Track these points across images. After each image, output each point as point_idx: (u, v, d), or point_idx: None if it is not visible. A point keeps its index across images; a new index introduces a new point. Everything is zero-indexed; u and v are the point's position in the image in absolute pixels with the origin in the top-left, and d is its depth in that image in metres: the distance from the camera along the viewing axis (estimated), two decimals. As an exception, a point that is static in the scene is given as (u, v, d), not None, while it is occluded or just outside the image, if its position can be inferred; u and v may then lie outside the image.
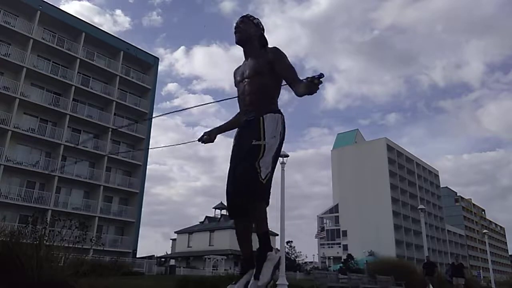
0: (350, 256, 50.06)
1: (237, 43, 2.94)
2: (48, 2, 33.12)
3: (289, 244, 60.88)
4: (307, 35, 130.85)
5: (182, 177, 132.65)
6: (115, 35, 34.51)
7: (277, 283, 12.63)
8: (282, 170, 14.78)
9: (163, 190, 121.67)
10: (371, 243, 63.01)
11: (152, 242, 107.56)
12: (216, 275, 19.01)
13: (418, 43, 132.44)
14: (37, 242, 6.92)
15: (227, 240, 44.41)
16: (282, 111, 2.77)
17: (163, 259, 48.36)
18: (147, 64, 39.78)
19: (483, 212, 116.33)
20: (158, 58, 42.32)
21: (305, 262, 64.03)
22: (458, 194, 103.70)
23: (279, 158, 2.69)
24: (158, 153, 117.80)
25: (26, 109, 30.50)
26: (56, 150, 31.32)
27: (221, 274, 21.97)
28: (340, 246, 73.60)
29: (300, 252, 69.74)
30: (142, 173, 36.76)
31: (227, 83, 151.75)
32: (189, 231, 50.06)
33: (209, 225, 49.10)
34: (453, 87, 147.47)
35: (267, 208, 2.60)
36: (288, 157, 15.26)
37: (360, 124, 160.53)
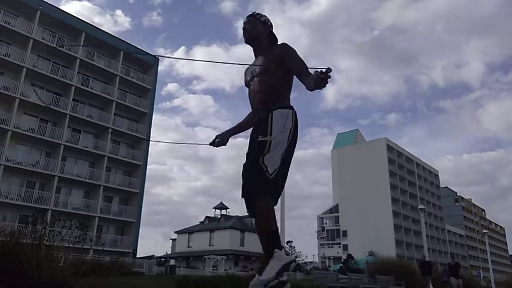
0: (350, 256, 50.04)
1: (246, 42, 2.91)
2: (48, 2, 33.13)
3: (289, 244, 60.95)
4: (307, 35, 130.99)
5: (182, 177, 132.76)
6: (115, 35, 34.47)
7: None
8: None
9: (163, 190, 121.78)
10: (371, 243, 63.01)
11: (152, 242, 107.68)
12: (216, 275, 18.99)
13: (418, 43, 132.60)
14: (37, 242, 6.92)
15: (227, 240, 44.46)
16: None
17: (163, 259, 48.37)
18: (147, 64, 39.79)
19: (483, 212, 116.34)
20: (158, 58, 42.36)
21: (305, 262, 64.02)
22: (458, 194, 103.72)
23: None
24: (158, 153, 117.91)
25: (26, 109, 30.50)
26: (56, 150, 31.33)
27: (221, 274, 21.94)
28: (340, 246, 73.59)
29: (300, 252, 69.83)
30: (142, 173, 36.77)
31: (227, 83, 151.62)
32: (189, 231, 50.09)
33: (209, 225, 49.11)
34: (453, 87, 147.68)
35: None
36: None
37: (360, 124, 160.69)
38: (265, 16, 2.93)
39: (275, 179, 2.43)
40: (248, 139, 2.80)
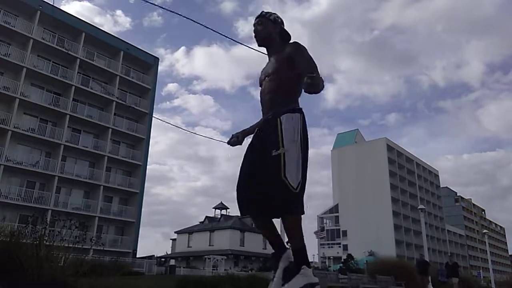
0: (350, 256, 49.92)
1: (259, 45, 2.87)
2: (48, 2, 33.14)
3: (289, 244, 60.86)
4: (307, 35, 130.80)
5: (182, 177, 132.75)
6: (115, 35, 34.46)
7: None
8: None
9: (163, 190, 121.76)
10: (371, 243, 63.00)
11: (152, 242, 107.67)
12: (216, 275, 18.99)
13: (418, 43, 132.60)
14: (37, 242, 6.92)
15: (227, 240, 44.45)
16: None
17: (163, 259, 48.35)
18: (147, 64, 39.79)
19: (483, 212, 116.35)
20: (158, 58, 42.38)
21: (305, 262, 63.87)
22: (458, 194, 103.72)
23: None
24: (158, 153, 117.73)
25: (26, 109, 30.50)
26: (56, 150, 31.33)
27: (221, 274, 21.93)
28: (340, 246, 73.59)
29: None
30: (142, 173, 36.77)
31: (228, 83, 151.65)
32: (189, 231, 50.09)
33: (209, 225, 49.11)
34: (453, 87, 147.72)
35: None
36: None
37: (360, 124, 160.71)
38: (274, 14, 2.89)
39: (301, 192, 2.41)
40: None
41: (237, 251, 43.90)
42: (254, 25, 2.87)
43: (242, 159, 2.73)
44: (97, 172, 33.65)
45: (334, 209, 78.15)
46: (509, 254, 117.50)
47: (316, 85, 2.35)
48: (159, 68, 42.06)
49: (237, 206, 2.63)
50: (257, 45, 2.90)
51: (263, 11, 2.90)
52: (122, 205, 35.32)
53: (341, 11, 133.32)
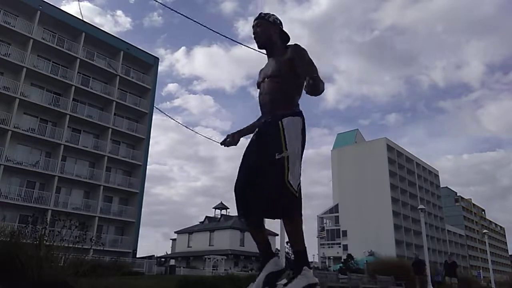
0: (350, 256, 49.91)
1: (260, 48, 2.86)
2: (48, 2, 33.12)
3: (289, 244, 60.86)
4: (307, 36, 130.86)
5: (182, 177, 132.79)
6: (115, 35, 34.45)
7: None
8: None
9: (163, 190, 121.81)
10: (371, 243, 62.96)
11: (152, 242, 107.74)
12: (216, 275, 18.99)
13: (418, 44, 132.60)
14: (37, 242, 6.92)
15: (227, 240, 44.45)
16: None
17: (163, 259, 48.36)
18: (147, 64, 39.78)
19: (483, 212, 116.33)
20: (158, 58, 42.37)
21: (305, 262, 63.90)
22: (458, 194, 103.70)
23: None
24: (158, 153, 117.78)
25: (26, 109, 30.49)
26: (56, 150, 31.33)
27: (221, 274, 21.94)
28: (340, 246, 73.55)
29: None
30: (142, 173, 36.75)
31: (228, 84, 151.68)
32: (189, 231, 50.08)
33: (209, 225, 49.11)
34: (453, 88, 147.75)
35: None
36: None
37: (360, 124, 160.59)
38: (273, 15, 2.88)
39: (300, 196, 2.46)
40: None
41: (237, 251, 43.90)
42: (253, 27, 2.86)
43: (240, 160, 2.72)
44: (97, 172, 33.65)
45: (334, 209, 78.12)
46: (509, 254, 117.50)
47: (317, 86, 2.34)
48: (159, 68, 42.11)
49: (236, 208, 2.63)
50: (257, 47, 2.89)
51: (261, 13, 2.89)
52: (122, 205, 35.31)
53: (341, 11, 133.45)
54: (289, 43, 2.83)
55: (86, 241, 8.22)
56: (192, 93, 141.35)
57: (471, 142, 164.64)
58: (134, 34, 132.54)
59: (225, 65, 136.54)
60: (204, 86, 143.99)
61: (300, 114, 2.61)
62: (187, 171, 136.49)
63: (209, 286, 11.20)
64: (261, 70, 2.91)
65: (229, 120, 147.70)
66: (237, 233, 45.58)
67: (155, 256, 46.79)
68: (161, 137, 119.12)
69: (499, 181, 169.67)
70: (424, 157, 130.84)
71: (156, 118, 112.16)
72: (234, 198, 2.61)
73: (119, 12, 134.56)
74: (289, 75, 2.60)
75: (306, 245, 2.48)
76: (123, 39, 41.75)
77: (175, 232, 52.72)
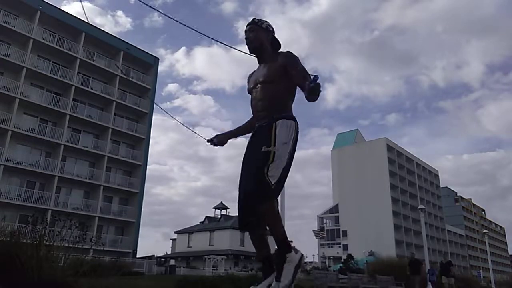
0: (350, 256, 49.96)
1: (252, 53, 2.89)
2: (48, 2, 33.12)
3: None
4: (307, 36, 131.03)
5: (182, 177, 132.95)
6: (115, 35, 34.45)
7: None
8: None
9: (163, 190, 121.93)
10: (371, 243, 62.99)
11: (152, 242, 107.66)
12: (216, 275, 18.99)
13: (418, 44, 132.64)
14: (37, 242, 6.91)
15: (227, 240, 44.46)
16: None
17: (163, 259, 48.36)
18: (147, 64, 39.78)
19: (483, 212, 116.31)
20: (158, 58, 42.37)
21: (305, 262, 64.02)
22: (458, 194, 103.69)
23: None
24: (158, 153, 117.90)
25: (26, 109, 30.49)
26: (56, 150, 31.33)
27: (221, 274, 21.93)
28: (340, 246, 73.59)
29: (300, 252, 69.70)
30: (142, 173, 36.76)
31: (228, 84, 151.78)
32: (189, 231, 50.09)
33: (209, 225, 49.12)
34: (453, 88, 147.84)
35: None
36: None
37: (360, 124, 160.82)
38: (266, 22, 2.90)
39: (276, 189, 2.48)
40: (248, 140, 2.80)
41: (237, 251, 43.90)
42: (246, 32, 2.88)
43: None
44: (97, 172, 33.65)
45: (334, 209, 78.14)
46: (509, 254, 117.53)
47: (316, 93, 2.33)
48: (159, 68, 42.12)
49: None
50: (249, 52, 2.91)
51: (255, 18, 2.92)
52: (122, 205, 35.31)
53: (341, 11, 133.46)
54: (280, 50, 2.86)
55: (86, 241, 8.21)
56: (192, 93, 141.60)
57: (471, 142, 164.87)
58: (134, 34, 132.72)
59: (225, 65, 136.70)
60: (204, 86, 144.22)
61: (294, 119, 2.66)
62: (187, 171, 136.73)
63: (209, 286, 11.19)
64: (250, 77, 2.93)
65: (229, 120, 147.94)
66: (237, 233, 45.55)
67: (155, 256, 46.82)
68: (161, 137, 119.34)
69: (499, 181, 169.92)
70: (424, 157, 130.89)
71: (156, 118, 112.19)
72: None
73: (119, 13, 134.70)
74: (282, 81, 2.63)
75: (286, 233, 2.49)
76: (123, 39, 41.74)
77: (175, 232, 52.78)
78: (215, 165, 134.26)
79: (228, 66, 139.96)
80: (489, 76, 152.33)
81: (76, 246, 7.76)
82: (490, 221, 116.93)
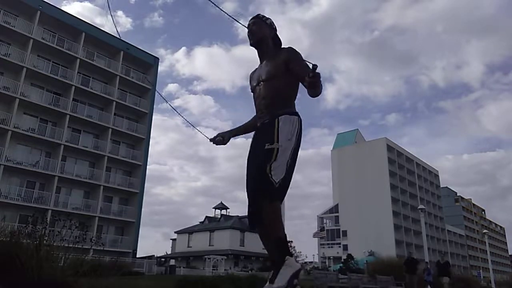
0: (350, 256, 49.96)
1: (252, 45, 2.87)
2: (48, 2, 33.12)
3: (289, 244, 60.91)
4: (307, 36, 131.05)
5: (182, 177, 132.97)
6: (115, 35, 34.42)
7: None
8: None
9: (163, 190, 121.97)
10: (371, 243, 63.00)
11: (152, 242, 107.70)
12: (216, 275, 18.99)
13: (418, 44, 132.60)
14: (37, 242, 6.91)
15: (227, 240, 44.46)
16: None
17: (163, 259, 48.37)
18: (147, 64, 39.77)
19: (483, 212, 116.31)
20: (158, 58, 42.35)
21: (305, 262, 63.96)
22: (458, 194, 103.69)
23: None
24: (158, 153, 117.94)
25: (26, 109, 30.49)
26: (56, 150, 31.33)
27: (221, 274, 21.94)
28: (340, 246, 73.58)
29: (300, 252, 69.70)
30: (142, 173, 36.76)
31: (228, 84, 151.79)
32: (189, 231, 50.09)
33: (209, 225, 49.12)
34: (453, 88, 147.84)
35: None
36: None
37: (360, 124, 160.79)
38: (270, 18, 2.91)
39: (280, 187, 2.43)
40: (250, 139, 2.79)
41: (237, 251, 43.90)
42: (249, 24, 2.88)
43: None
44: (97, 172, 33.65)
45: (334, 209, 78.13)
46: (509, 254, 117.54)
47: (317, 85, 2.31)
48: (160, 68, 42.12)
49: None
50: (249, 44, 2.89)
51: (259, 14, 2.93)
52: (122, 205, 35.31)
53: (341, 11, 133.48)
54: (281, 47, 2.84)
55: (86, 241, 8.21)
56: (193, 93, 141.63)
57: (471, 142, 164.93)
58: (134, 34, 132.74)
59: (225, 65, 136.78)
60: (205, 86, 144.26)
61: (297, 114, 2.63)
62: (187, 171, 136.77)
63: (209, 286, 11.18)
64: (252, 75, 2.91)
65: (230, 120, 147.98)
66: (237, 233, 45.59)
67: (155, 256, 46.83)
68: (161, 137, 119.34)
69: (499, 181, 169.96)
70: (424, 157, 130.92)
71: (156, 118, 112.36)
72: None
73: (120, 13, 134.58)
74: (285, 77, 2.61)
75: (286, 233, 2.43)
76: (123, 39, 41.69)
77: (175, 232, 52.77)
78: (215, 165, 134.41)
79: (228, 66, 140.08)
80: (489, 76, 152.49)
81: (76, 246, 7.76)
82: (490, 221, 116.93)
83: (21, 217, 25.30)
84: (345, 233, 73.41)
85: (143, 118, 38.06)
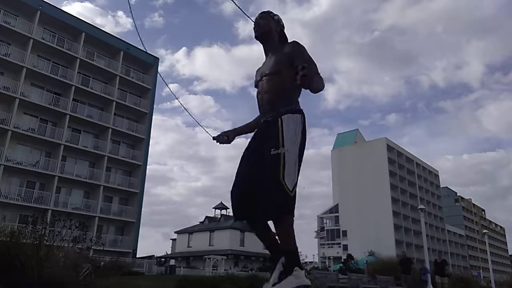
0: (350, 256, 49.94)
1: (257, 38, 2.82)
2: (48, 2, 33.11)
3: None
4: (307, 36, 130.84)
5: (182, 177, 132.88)
6: (115, 35, 34.44)
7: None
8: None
9: (164, 190, 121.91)
10: (371, 243, 62.96)
11: (152, 242, 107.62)
12: (216, 275, 18.98)
13: (418, 44, 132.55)
14: (37, 242, 6.91)
15: (227, 240, 44.44)
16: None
17: (163, 259, 48.32)
18: (147, 64, 39.75)
19: (483, 212, 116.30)
20: (158, 58, 42.33)
21: (305, 262, 63.93)
22: (458, 194, 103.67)
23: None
24: (158, 153, 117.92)
25: (26, 109, 30.48)
26: (56, 150, 31.32)
27: (221, 274, 21.93)
28: (340, 246, 73.55)
29: (300, 252, 68.95)
30: (142, 173, 36.74)
31: (228, 84, 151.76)
32: (189, 231, 50.08)
33: (209, 225, 49.12)
34: (453, 88, 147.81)
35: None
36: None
37: (360, 124, 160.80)
38: (277, 15, 2.89)
39: (294, 195, 2.36)
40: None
41: (237, 251, 43.89)
42: (257, 18, 2.85)
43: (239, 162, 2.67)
44: (97, 172, 33.64)
45: (334, 209, 78.11)
46: (509, 254, 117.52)
47: (310, 79, 2.25)
48: (160, 68, 42.12)
49: (231, 211, 2.57)
50: (254, 37, 2.85)
51: (268, 10, 2.90)
52: (122, 205, 35.30)
53: (341, 12, 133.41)
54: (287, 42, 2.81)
55: (86, 241, 8.22)
56: (193, 93, 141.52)
57: (471, 142, 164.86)
58: (135, 35, 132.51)
59: (225, 65, 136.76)
60: (205, 86, 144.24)
61: (300, 111, 2.55)
62: (187, 171, 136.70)
63: (209, 286, 11.19)
64: (258, 70, 2.86)
65: (230, 120, 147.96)
66: (237, 233, 45.57)
67: (155, 256, 46.77)
68: (161, 137, 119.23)
69: (499, 181, 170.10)
70: (424, 157, 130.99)
71: (156, 118, 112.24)
72: (230, 200, 2.56)
73: (120, 13, 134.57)
74: (288, 72, 2.50)
75: (297, 245, 2.38)
76: (123, 39, 41.74)
77: (175, 232, 52.74)
78: (215, 165, 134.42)
79: (228, 66, 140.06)
80: (489, 76, 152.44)
81: (76, 246, 7.76)
82: (490, 221, 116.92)
83: (21, 217, 25.28)
84: (345, 233, 73.38)
85: (143, 118, 38.05)
